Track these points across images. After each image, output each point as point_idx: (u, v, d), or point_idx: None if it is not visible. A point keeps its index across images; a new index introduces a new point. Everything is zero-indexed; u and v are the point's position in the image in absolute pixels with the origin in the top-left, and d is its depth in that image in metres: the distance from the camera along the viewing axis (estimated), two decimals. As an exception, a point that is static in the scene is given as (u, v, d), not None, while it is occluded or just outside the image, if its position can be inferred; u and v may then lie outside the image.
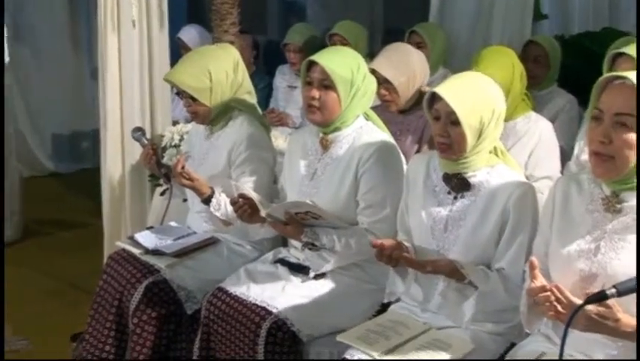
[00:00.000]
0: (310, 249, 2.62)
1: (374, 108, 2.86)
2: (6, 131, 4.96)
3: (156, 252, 2.95)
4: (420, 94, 3.30)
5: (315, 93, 2.60)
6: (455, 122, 2.23)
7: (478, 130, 2.25)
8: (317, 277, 2.65)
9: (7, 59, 4.06)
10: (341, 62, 2.62)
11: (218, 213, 2.95)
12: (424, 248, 2.35)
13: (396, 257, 2.29)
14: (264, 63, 5.38)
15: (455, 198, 2.35)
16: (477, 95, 2.26)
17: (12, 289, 4.12)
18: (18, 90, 5.58)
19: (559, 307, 1.83)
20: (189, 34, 5.26)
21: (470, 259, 2.27)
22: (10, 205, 4.96)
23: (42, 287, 4.20)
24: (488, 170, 2.32)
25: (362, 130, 2.67)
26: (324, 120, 2.64)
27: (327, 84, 2.60)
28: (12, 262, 4.57)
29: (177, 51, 4.72)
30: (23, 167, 5.68)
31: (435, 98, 2.27)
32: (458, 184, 2.33)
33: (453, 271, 2.24)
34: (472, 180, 2.32)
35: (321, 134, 2.71)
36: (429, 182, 2.41)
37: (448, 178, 2.35)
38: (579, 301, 1.78)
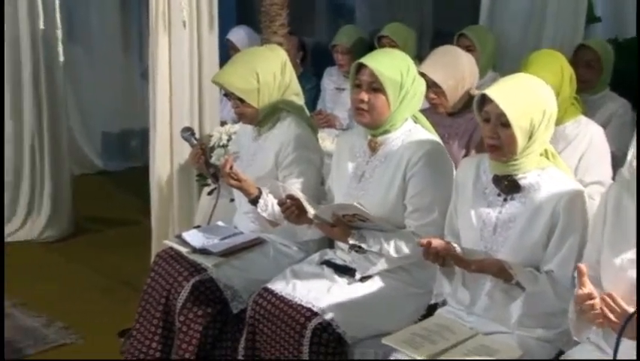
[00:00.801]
0: (357, 251, 2.62)
1: (423, 111, 2.85)
2: (59, 129, 5.06)
3: (203, 251, 2.98)
4: (469, 97, 3.28)
5: (364, 96, 2.60)
6: (505, 123, 2.21)
7: (528, 132, 2.23)
8: (363, 279, 2.65)
9: (61, 58, 4.14)
10: (390, 64, 2.62)
11: (265, 214, 2.96)
12: (472, 250, 2.33)
13: (443, 255, 2.28)
14: (312, 65, 5.39)
15: (505, 200, 2.34)
16: (527, 96, 2.25)
17: (63, 284, 4.24)
18: (70, 89, 5.68)
19: (611, 316, 1.80)
20: (238, 35, 5.29)
21: (518, 261, 2.25)
22: (61, 202, 5.06)
23: (91, 283, 4.27)
24: (539, 172, 2.31)
25: (411, 133, 2.66)
26: (372, 123, 2.64)
27: (376, 87, 2.59)
28: (63, 256, 4.70)
29: (226, 52, 4.76)
30: (74, 165, 5.78)
31: (485, 99, 2.25)
32: (508, 186, 2.31)
33: (500, 271, 2.23)
34: (522, 182, 2.31)
35: (369, 137, 2.71)
36: (479, 184, 2.39)
37: (498, 180, 2.34)
38: (632, 310, 1.75)
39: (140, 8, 6.79)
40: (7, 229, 5.00)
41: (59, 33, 3.91)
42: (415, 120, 2.72)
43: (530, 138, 2.24)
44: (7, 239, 4.96)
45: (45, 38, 4.79)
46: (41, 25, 4.14)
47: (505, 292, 2.30)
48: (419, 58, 3.77)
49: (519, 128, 2.21)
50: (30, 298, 4.01)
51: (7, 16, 4.79)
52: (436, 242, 2.29)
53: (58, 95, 5.05)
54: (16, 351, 3.47)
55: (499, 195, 2.35)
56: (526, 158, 2.28)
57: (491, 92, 2.22)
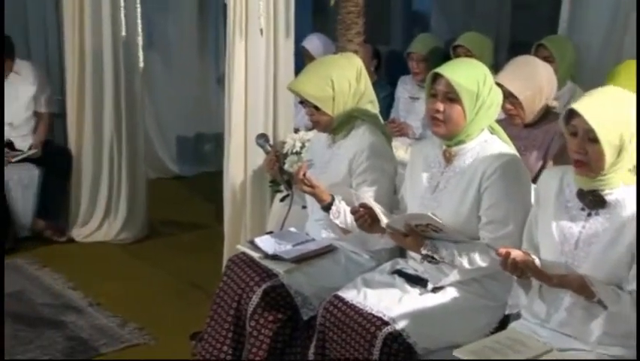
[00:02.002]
0: (429, 261, 2.60)
1: (499, 122, 2.81)
2: (137, 134, 5.17)
3: (275, 257, 3.00)
4: (546, 109, 3.22)
5: (440, 106, 2.58)
6: (594, 139, 2.15)
7: (617, 147, 2.16)
8: (435, 290, 2.63)
9: (141, 65, 4.24)
10: (467, 74, 2.59)
11: (337, 221, 2.97)
12: (551, 263, 2.28)
13: (521, 267, 2.24)
14: (386, 73, 5.38)
15: (589, 215, 2.28)
16: (617, 111, 2.17)
17: (136, 285, 4.33)
18: (147, 95, 5.80)
19: None
20: (313, 43, 5.33)
21: (600, 279, 2.19)
22: (137, 205, 5.17)
23: (164, 285, 4.34)
24: (626, 188, 2.24)
25: (486, 144, 2.63)
26: (448, 133, 2.61)
27: (451, 97, 2.57)
28: (138, 258, 4.79)
29: (301, 59, 4.80)
30: (150, 169, 5.89)
31: (572, 113, 2.20)
32: (593, 201, 2.25)
33: (582, 287, 2.18)
34: (608, 198, 2.24)
35: (444, 147, 2.69)
36: (561, 197, 2.34)
37: (582, 194, 2.28)
38: None
39: (217, 15, 6.91)
40: (85, 230, 5.14)
41: (140, 40, 4.00)
42: (492, 131, 2.68)
43: (619, 153, 2.17)
44: (85, 240, 5.11)
45: (126, 45, 4.92)
46: (123, 33, 4.24)
47: (585, 308, 2.24)
48: (495, 68, 3.72)
49: (608, 144, 2.14)
50: (105, 297, 4.10)
51: (91, 23, 4.94)
52: (515, 253, 2.26)
53: (137, 101, 5.17)
54: (92, 349, 3.56)
55: (582, 209, 2.29)
56: (614, 173, 2.21)
57: (579, 106, 2.16)
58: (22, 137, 5.21)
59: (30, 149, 5.14)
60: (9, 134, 5.18)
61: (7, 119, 5.16)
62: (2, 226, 4.30)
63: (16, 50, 5.18)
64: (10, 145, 5.13)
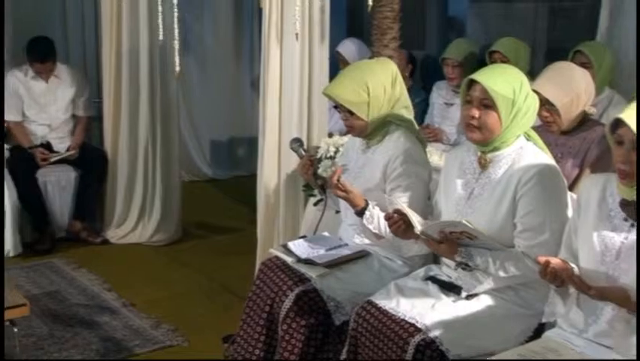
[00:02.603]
0: (464, 269, 2.58)
1: (535, 128, 2.79)
2: (171, 137, 5.22)
3: (308, 261, 3.00)
4: (584, 116, 3.19)
5: (475, 112, 2.57)
6: None
7: None
8: (469, 297, 2.61)
9: (177, 69, 4.27)
10: (503, 80, 2.57)
11: (371, 227, 2.96)
12: (591, 272, 2.25)
13: (561, 276, 2.21)
14: (421, 78, 5.37)
15: (632, 225, 2.23)
16: None
17: (169, 286, 4.37)
18: (182, 98, 5.85)
19: None
20: (348, 48, 5.34)
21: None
22: (171, 208, 5.21)
23: (196, 287, 4.38)
24: None
25: (522, 151, 2.61)
26: (483, 140, 2.59)
27: (487, 103, 2.55)
28: (171, 260, 4.83)
29: (335, 64, 4.80)
30: (184, 172, 5.94)
31: (619, 122, 2.16)
32: (637, 212, 2.22)
33: (624, 300, 2.13)
34: None
35: (479, 153, 2.67)
36: (604, 206, 2.29)
37: (626, 204, 2.23)
38: None
39: (252, 19, 6.96)
40: (120, 231, 5.20)
41: (176, 44, 4.02)
42: (527, 138, 2.66)
43: None
44: (119, 241, 5.17)
45: (162, 49, 4.97)
46: (160, 37, 4.28)
47: (627, 321, 2.19)
48: (532, 74, 3.69)
49: None
50: (139, 299, 4.15)
51: (128, 27, 5.00)
52: (555, 261, 2.22)
53: (172, 104, 5.22)
54: (125, 350, 3.59)
55: (625, 219, 2.24)
56: None
57: (626, 116, 2.12)
58: (60, 139, 5.30)
59: (68, 150, 5.21)
60: (47, 135, 5.26)
61: (46, 120, 5.26)
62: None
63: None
64: (49, 146, 5.21)
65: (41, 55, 5.12)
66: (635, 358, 2.13)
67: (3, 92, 4.75)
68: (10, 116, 5.11)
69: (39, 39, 5.17)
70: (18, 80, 5.19)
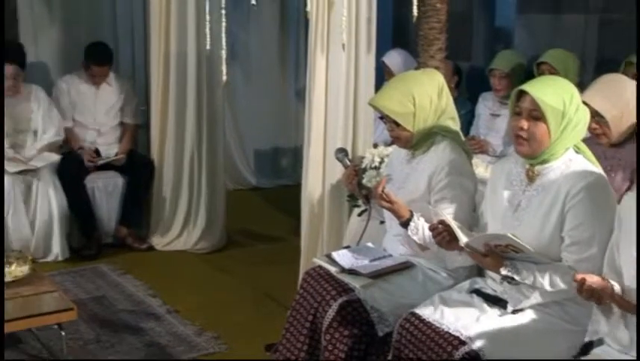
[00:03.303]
0: (509, 282, 2.55)
1: (584, 140, 2.75)
2: (217, 145, 5.26)
3: (352, 271, 2.99)
4: (634, 128, 3.13)
5: (524, 124, 2.54)
6: None
7: None
8: (514, 311, 2.58)
9: (224, 78, 4.33)
10: (552, 92, 2.54)
11: (415, 237, 2.95)
12: (634, 290, 2.21)
13: (599, 294, 2.17)
14: (467, 89, 5.33)
15: None
16: None
17: (213, 294, 4.40)
18: (227, 107, 5.89)
19: None
20: (393, 58, 5.34)
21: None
22: (216, 215, 5.25)
23: (239, 295, 4.40)
24: None
25: (571, 163, 2.57)
26: (532, 152, 2.57)
27: (536, 115, 2.53)
28: (215, 268, 4.87)
29: (381, 74, 4.80)
30: (228, 180, 5.98)
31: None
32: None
33: None
34: None
35: (527, 165, 2.64)
36: None
37: None
38: None
39: (298, 29, 6.99)
40: (165, 239, 5.26)
41: (224, 53, 4.07)
42: (577, 150, 2.62)
43: None
44: (164, 248, 5.22)
45: (209, 59, 5.02)
46: (207, 46, 4.33)
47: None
48: (581, 86, 3.64)
49: None
50: (183, 305, 4.18)
51: (176, 36, 5.07)
52: (592, 279, 2.19)
53: (218, 113, 5.26)
54: (170, 355, 3.62)
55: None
56: None
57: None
58: (108, 145, 5.39)
59: (116, 155, 5.28)
60: (96, 140, 5.35)
61: (95, 126, 5.35)
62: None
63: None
64: (97, 153, 5.30)
65: (100, 58, 5.23)
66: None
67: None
68: (65, 123, 5.21)
69: (98, 44, 5.29)
70: (69, 85, 5.30)
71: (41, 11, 5.71)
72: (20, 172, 4.84)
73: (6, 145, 4.90)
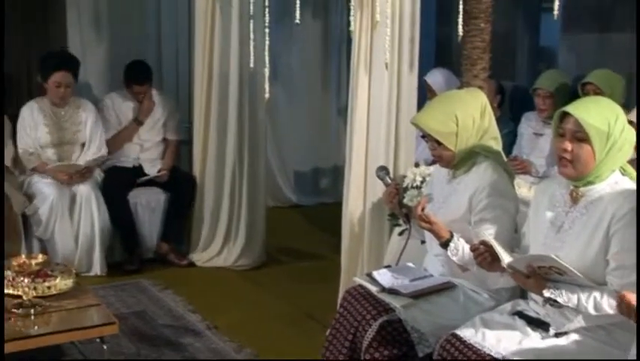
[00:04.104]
0: (552, 305, 2.51)
1: (630, 162, 2.70)
2: (258, 162, 5.29)
3: (392, 291, 2.98)
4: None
5: (568, 146, 2.51)
6: None
7: None
8: (558, 335, 2.54)
9: (266, 95, 4.37)
10: (597, 113, 2.51)
11: (455, 258, 2.93)
12: None
13: (635, 312, 2.13)
14: (510, 109, 5.30)
15: None
16: None
17: (252, 311, 4.41)
18: (269, 125, 5.93)
19: None
20: (436, 77, 5.33)
21: None
22: (256, 233, 5.27)
23: (278, 312, 4.40)
24: None
25: (617, 185, 2.53)
26: (576, 174, 2.53)
27: (580, 137, 2.49)
28: (254, 285, 4.88)
29: (423, 93, 4.79)
30: (268, 197, 5.99)
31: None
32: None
33: None
34: None
35: (571, 187, 2.60)
36: None
37: None
38: None
39: (340, 47, 7.02)
40: (206, 255, 5.29)
41: (266, 71, 4.11)
42: (623, 172, 2.58)
43: None
44: (205, 264, 5.25)
45: (252, 76, 5.07)
46: (251, 64, 4.38)
47: None
48: (627, 107, 3.60)
49: None
50: (222, 322, 4.19)
51: (220, 54, 5.13)
52: (631, 296, 2.15)
53: (260, 131, 5.30)
54: (208, 372, 3.64)
55: None
56: None
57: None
58: (151, 161, 5.45)
59: (159, 172, 5.35)
60: (139, 156, 5.42)
61: (138, 142, 5.42)
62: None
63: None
64: (140, 169, 5.36)
65: (139, 77, 5.31)
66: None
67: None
68: (106, 136, 5.30)
69: (137, 62, 5.38)
70: (114, 102, 5.39)
71: (89, 32, 5.85)
72: (65, 185, 4.93)
73: (52, 157, 5.02)
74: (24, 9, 5.47)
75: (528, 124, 4.82)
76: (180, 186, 5.33)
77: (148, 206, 5.29)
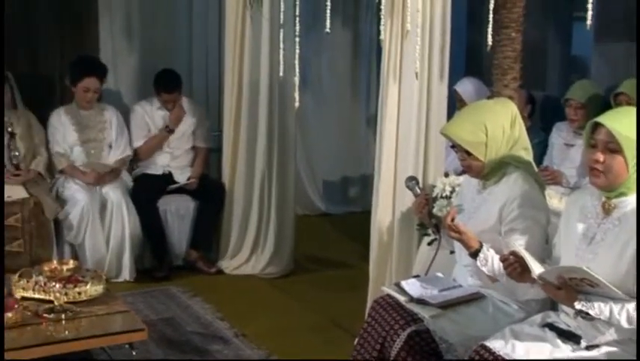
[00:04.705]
0: (583, 317, 2.48)
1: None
2: (288, 170, 5.30)
3: (421, 301, 2.97)
4: None
5: (600, 157, 2.49)
6: None
7: None
8: (589, 347, 2.51)
9: (296, 104, 4.39)
10: (629, 123, 2.48)
11: (484, 269, 2.91)
12: None
13: None
14: (541, 119, 5.26)
15: None
16: None
17: (280, 319, 4.41)
18: (298, 133, 5.94)
19: None
20: (465, 87, 5.30)
21: None
22: (284, 241, 5.28)
23: (306, 321, 4.40)
24: None
25: (651, 196, 2.50)
26: (608, 185, 2.51)
27: (613, 148, 2.47)
28: (283, 292, 4.90)
29: (453, 103, 4.77)
30: (297, 205, 5.99)
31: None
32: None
33: None
34: None
35: (603, 198, 2.58)
36: None
37: None
38: None
39: (370, 56, 7.03)
40: (234, 262, 5.31)
41: (297, 80, 4.13)
42: (656, 183, 2.55)
43: None
44: (233, 272, 5.28)
45: (282, 85, 5.09)
46: (281, 73, 4.40)
47: None
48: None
49: None
50: (250, 329, 4.20)
51: (249, 62, 5.16)
52: None
53: (289, 139, 5.31)
54: (237, 380, 3.65)
55: None
56: None
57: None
58: (180, 168, 5.48)
59: (188, 179, 5.38)
60: (169, 164, 5.46)
61: (168, 150, 5.46)
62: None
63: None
64: (170, 176, 5.40)
65: (169, 85, 5.36)
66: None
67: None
68: (137, 143, 5.37)
69: (166, 71, 5.42)
70: (144, 110, 5.44)
71: (121, 41, 5.92)
72: (95, 189, 5.01)
73: (80, 155, 5.14)
74: (59, 17, 5.58)
75: (559, 134, 4.78)
76: (209, 193, 5.36)
77: (177, 213, 5.33)
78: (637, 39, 3.65)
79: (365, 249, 4.13)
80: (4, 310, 3.02)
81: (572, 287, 2.48)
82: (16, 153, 4.94)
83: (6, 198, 4.65)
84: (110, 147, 5.28)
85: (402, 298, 3.02)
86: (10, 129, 4.92)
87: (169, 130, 5.40)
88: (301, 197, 6.65)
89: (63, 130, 5.14)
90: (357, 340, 3.09)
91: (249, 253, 5.30)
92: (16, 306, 3.15)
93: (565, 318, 2.67)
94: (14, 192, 4.74)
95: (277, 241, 5.26)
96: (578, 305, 2.46)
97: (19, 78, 5.11)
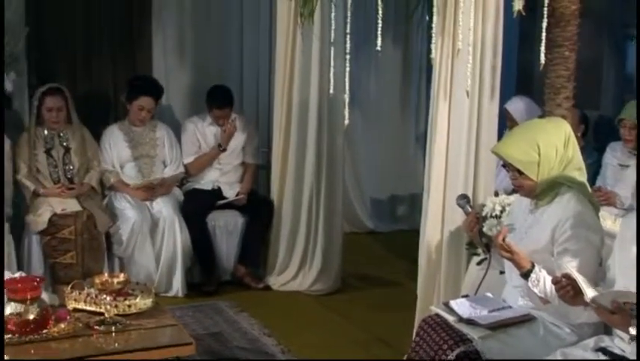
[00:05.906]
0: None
1: None
2: (336, 188, 5.30)
3: (470, 321, 2.94)
4: None
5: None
6: None
7: None
8: (644, 373, 2.45)
9: (346, 122, 4.41)
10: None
11: (536, 290, 2.86)
12: None
13: None
14: (595, 139, 5.18)
15: None
16: None
17: (325, 335, 4.40)
18: (347, 150, 5.94)
19: None
20: (516, 105, 5.25)
21: None
22: (331, 258, 5.27)
23: (353, 338, 4.38)
24: None
25: None
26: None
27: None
28: (329, 310, 4.89)
29: (503, 121, 4.72)
30: (345, 222, 5.99)
31: None
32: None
33: None
34: None
35: (660, 221, 2.53)
36: None
37: None
38: None
39: (420, 74, 7.01)
40: (281, 278, 5.32)
41: (346, 98, 4.13)
42: None
43: None
44: (280, 288, 5.28)
45: (331, 102, 5.10)
46: (331, 90, 4.41)
47: None
48: None
49: None
50: (297, 346, 4.20)
51: (300, 79, 5.18)
52: None
53: (338, 156, 5.32)
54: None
55: None
56: None
57: None
58: (229, 184, 5.53)
59: (237, 195, 5.42)
60: (219, 179, 5.50)
61: (218, 165, 5.51)
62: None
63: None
64: (219, 192, 5.45)
65: (220, 101, 5.42)
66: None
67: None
68: (187, 159, 5.43)
69: (219, 87, 5.49)
70: (196, 126, 5.50)
71: (173, 58, 6.03)
72: (146, 206, 5.09)
73: (131, 171, 5.23)
74: (114, 36, 5.72)
75: (613, 155, 4.70)
76: (258, 209, 5.39)
77: (226, 229, 5.36)
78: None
79: (412, 267, 4.10)
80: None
81: (627, 312, 2.42)
82: (71, 167, 5.03)
83: (60, 211, 4.76)
84: (164, 163, 5.35)
85: (451, 318, 2.99)
86: (65, 144, 5.02)
87: (222, 148, 5.44)
88: (349, 214, 6.63)
89: (115, 145, 5.24)
90: (405, 359, 3.06)
91: (296, 270, 5.31)
92: (68, 317, 3.20)
93: (619, 343, 2.61)
94: (68, 205, 4.84)
95: (324, 258, 5.26)
96: (632, 330, 2.41)
97: (75, 95, 5.23)
